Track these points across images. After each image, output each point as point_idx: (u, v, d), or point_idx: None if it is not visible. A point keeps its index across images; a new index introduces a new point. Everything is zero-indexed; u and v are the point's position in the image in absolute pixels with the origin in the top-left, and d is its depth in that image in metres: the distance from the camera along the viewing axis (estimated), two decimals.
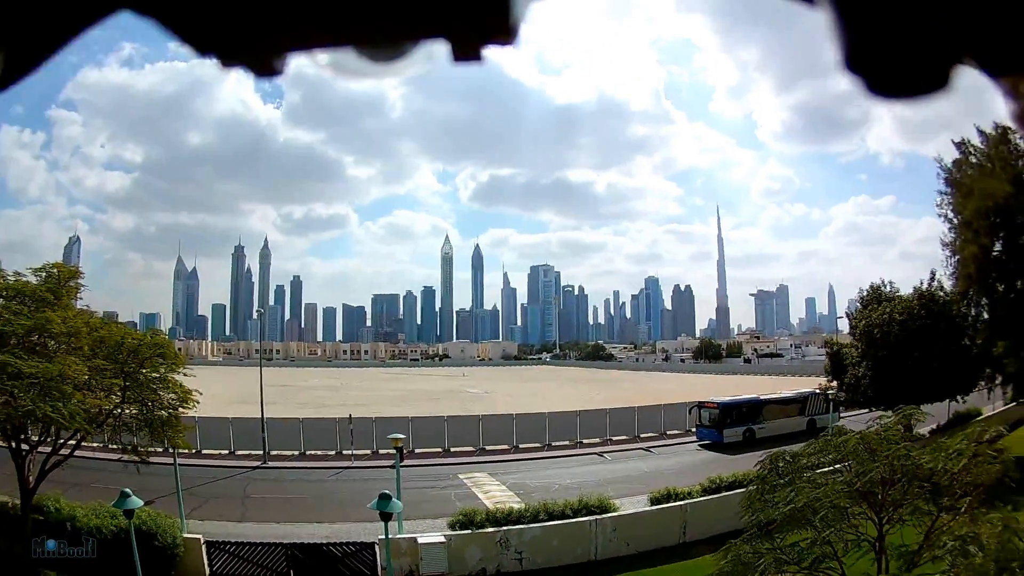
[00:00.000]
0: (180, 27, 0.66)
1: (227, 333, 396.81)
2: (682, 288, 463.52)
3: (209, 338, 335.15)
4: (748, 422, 37.73)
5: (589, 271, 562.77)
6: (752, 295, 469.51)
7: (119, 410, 16.51)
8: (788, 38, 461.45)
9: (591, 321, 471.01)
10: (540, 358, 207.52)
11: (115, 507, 13.00)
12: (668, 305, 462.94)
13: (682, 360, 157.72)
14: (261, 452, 32.36)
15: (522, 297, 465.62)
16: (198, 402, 18.07)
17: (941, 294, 30.39)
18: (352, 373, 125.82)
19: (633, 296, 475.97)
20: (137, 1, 0.65)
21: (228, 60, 0.69)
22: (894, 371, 28.57)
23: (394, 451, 31.81)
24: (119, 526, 15.95)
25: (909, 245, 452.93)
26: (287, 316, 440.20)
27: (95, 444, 17.74)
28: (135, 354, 16.81)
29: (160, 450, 18.69)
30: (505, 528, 19.10)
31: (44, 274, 17.24)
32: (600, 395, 71.82)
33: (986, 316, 29.76)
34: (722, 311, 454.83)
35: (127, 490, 12.42)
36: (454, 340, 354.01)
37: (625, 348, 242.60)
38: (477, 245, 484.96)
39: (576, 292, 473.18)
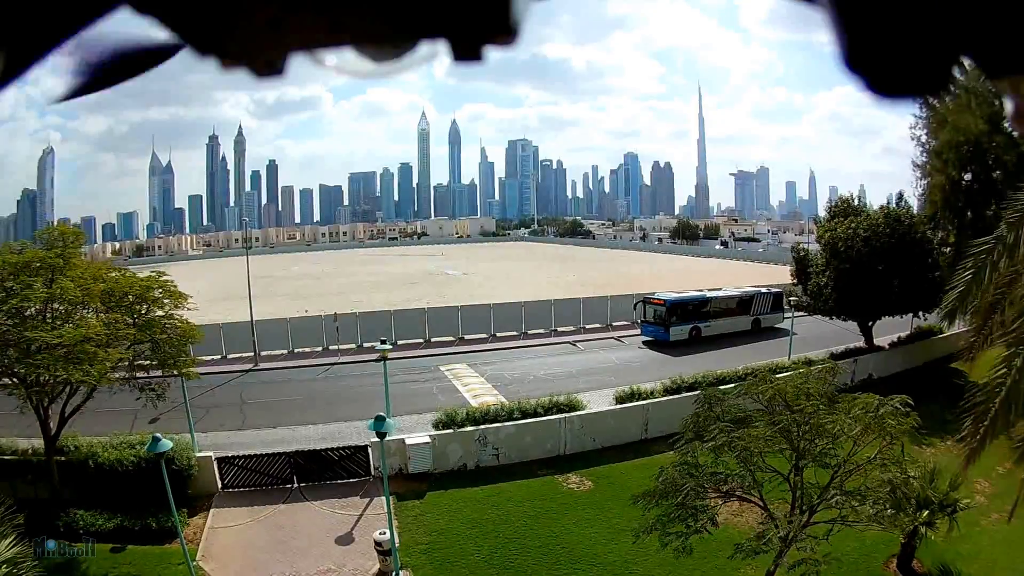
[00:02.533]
0: (180, 27, 0.68)
1: (204, 223, 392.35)
2: (661, 165, 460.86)
3: (187, 230, 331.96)
4: (694, 320, 37.43)
5: (567, 145, 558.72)
6: (732, 175, 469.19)
7: (132, 354, 17.55)
8: None
9: (569, 195, 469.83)
10: (518, 234, 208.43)
11: (149, 451, 14.16)
12: (647, 181, 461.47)
13: (659, 240, 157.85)
14: (252, 355, 33.68)
15: (500, 172, 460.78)
16: (204, 335, 19.30)
17: (907, 216, 30.17)
18: (332, 257, 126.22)
19: (612, 171, 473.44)
20: None
21: (228, 61, 0.71)
22: (856, 284, 29.16)
23: (378, 344, 33.91)
24: (138, 456, 17.42)
25: (893, 140, 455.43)
26: (264, 201, 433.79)
27: None
28: (142, 299, 17.77)
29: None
30: (483, 427, 20.93)
31: (47, 236, 17.77)
32: (575, 277, 73.80)
33: (952, 241, 29.40)
34: (701, 189, 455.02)
35: (158, 435, 13.64)
36: (432, 216, 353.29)
37: (603, 224, 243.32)
38: (454, 120, 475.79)
39: (554, 166, 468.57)
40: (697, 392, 22.97)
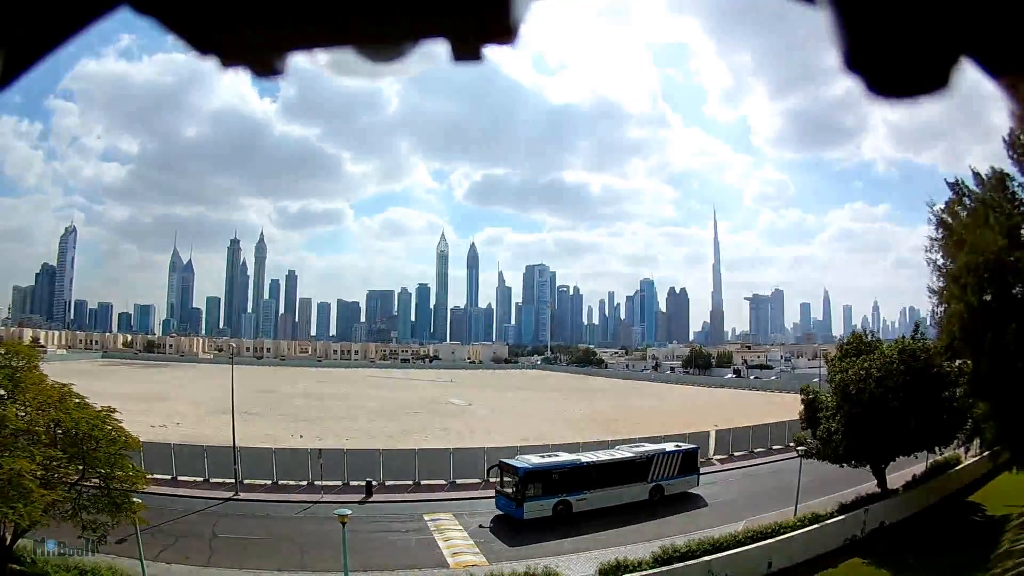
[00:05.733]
0: (180, 26, 0.68)
1: (221, 326, 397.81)
2: (677, 291, 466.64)
3: (203, 330, 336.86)
4: (563, 492, 29.22)
5: (584, 271, 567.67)
6: (747, 299, 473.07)
7: (75, 494, 16.81)
8: (782, 44, 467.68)
9: (585, 321, 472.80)
10: (531, 360, 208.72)
11: None
12: (663, 307, 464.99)
13: (671, 369, 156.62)
14: (234, 481, 32.51)
15: (517, 296, 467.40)
16: (148, 482, 18.37)
17: (922, 350, 28.77)
18: (341, 375, 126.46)
19: (628, 297, 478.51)
20: None
21: (228, 60, 0.71)
22: (868, 427, 27.46)
23: (363, 484, 32.65)
24: None
25: (904, 253, 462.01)
26: (281, 310, 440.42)
27: None
28: (91, 437, 17.08)
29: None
30: None
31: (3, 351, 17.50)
32: (583, 410, 72.32)
33: (969, 370, 27.56)
34: (716, 314, 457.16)
35: None
36: (448, 338, 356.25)
37: (616, 353, 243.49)
38: (472, 243, 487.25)
39: (571, 292, 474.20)
40: (693, 562, 21.42)
